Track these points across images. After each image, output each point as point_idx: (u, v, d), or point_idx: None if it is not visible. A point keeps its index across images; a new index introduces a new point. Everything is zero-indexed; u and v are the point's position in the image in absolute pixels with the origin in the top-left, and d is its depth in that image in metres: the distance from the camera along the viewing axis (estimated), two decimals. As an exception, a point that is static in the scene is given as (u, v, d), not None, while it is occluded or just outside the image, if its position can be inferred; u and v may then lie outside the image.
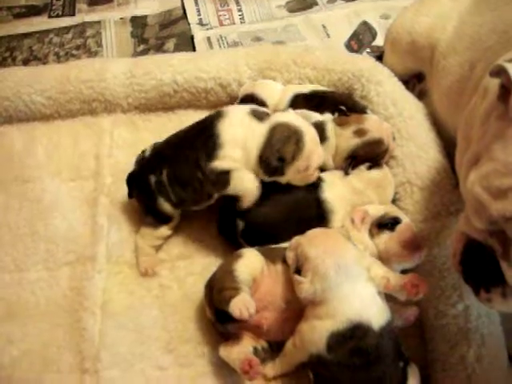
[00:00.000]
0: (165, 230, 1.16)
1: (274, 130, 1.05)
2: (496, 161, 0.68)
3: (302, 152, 1.05)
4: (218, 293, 0.98)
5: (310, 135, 1.07)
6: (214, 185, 1.07)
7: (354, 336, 0.89)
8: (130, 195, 1.19)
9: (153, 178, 1.12)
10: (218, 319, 1.01)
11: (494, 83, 0.76)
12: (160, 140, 1.18)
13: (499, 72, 0.67)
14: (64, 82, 1.37)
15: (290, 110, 1.13)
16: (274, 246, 1.07)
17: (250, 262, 1.01)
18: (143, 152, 1.18)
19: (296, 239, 0.99)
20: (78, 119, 1.39)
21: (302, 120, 1.09)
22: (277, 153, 1.04)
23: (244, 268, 0.99)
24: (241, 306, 0.92)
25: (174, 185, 1.10)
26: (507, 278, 0.71)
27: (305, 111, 1.17)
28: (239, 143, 1.05)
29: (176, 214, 1.16)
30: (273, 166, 1.04)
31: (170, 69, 1.35)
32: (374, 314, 0.91)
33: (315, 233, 1.00)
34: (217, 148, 1.05)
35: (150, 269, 1.15)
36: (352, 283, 0.92)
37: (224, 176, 1.06)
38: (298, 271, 0.95)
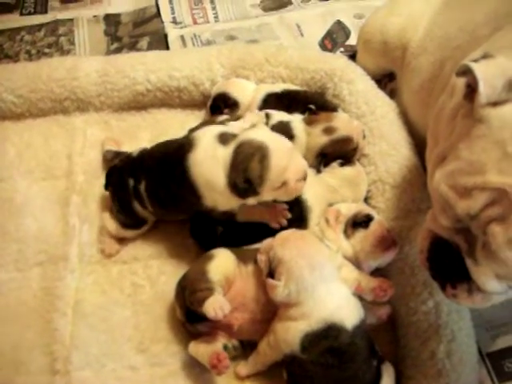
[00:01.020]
0: (129, 233, 1.17)
1: (238, 150, 0.99)
2: (461, 159, 0.69)
3: (270, 169, 0.98)
4: (190, 294, 0.97)
5: (279, 149, 1.00)
6: (221, 217, 1.06)
7: (327, 336, 0.90)
8: (106, 187, 1.17)
9: (131, 182, 1.11)
10: (188, 319, 1.00)
11: (460, 82, 0.77)
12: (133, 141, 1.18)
13: (465, 72, 0.68)
14: (35, 80, 1.35)
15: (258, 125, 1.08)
16: (245, 247, 1.06)
17: (222, 262, 1.01)
18: (131, 152, 1.17)
19: (267, 242, 0.99)
20: (49, 118, 1.37)
21: (270, 134, 1.03)
22: (242, 173, 0.98)
23: (216, 269, 0.99)
24: (215, 306, 0.92)
25: (153, 200, 1.10)
26: (472, 275, 0.73)
27: (269, 111, 1.17)
28: (210, 184, 1.01)
29: (149, 219, 1.16)
30: (241, 188, 0.99)
31: (142, 67, 1.34)
32: (348, 313, 0.92)
33: (286, 235, 1.00)
34: (196, 189, 1.02)
35: (109, 250, 1.15)
36: (326, 284, 0.93)
37: (230, 214, 1.05)
38: (271, 274, 0.95)
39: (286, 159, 1.00)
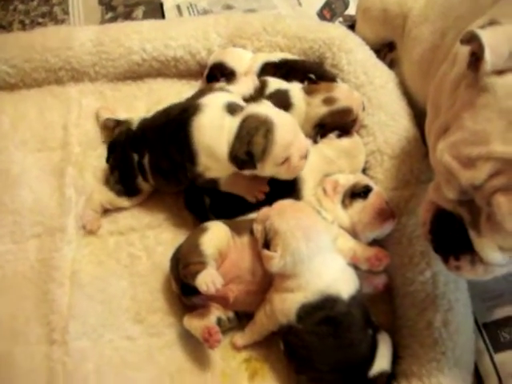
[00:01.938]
0: (125, 202, 1.16)
1: (244, 122, 1.00)
2: (465, 129, 0.68)
3: (274, 144, 0.98)
4: (184, 267, 0.97)
5: (284, 125, 1.00)
6: (203, 184, 1.07)
7: (323, 307, 0.90)
8: (108, 160, 1.17)
9: (136, 157, 1.11)
10: (183, 292, 1.01)
11: (463, 51, 0.75)
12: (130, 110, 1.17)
13: (470, 39, 0.66)
14: (29, 50, 1.34)
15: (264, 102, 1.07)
16: (240, 218, 1.06)
17: (215, 235, 1.00)
18: (129, 123, 1.15)
19: (264, 212, 0.98)
20: (44, 88, 1.36)
21: (276, 110, 1.03)
22: (245, 146, 0.98)
23: (209, 242, 0.98)
24: (207, 280, 0.92)
25: (156, 173, 1.10)
26: (475, 246, 0.73)
27: (267, 78, 1.16)
28: (208, 151, 1.01)
29: (147, 191, 1.16)
30: (242, 160, 0.99)
31: (138, 37, 1.32)
32: (344, 284, 0.92)
33: (284, 205, 0.99)
34: (194, 154, 1.02)
35: (90, 226, 1.15)
36: (322, 255, 0.93)
37: (213, 182, 1.05)
38: (267, 245, 0.94)
39: (291, 135, 1.00)
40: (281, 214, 0.96)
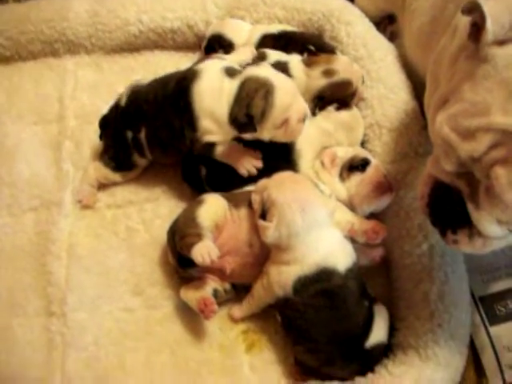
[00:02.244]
0: (120, 177, 1.16)
1: (244, 85, 1.00)
2: (464, 101, 0.67)
3: (273, 106, 0.98)
4: (180, 239, 0.97)
5: (284, 87, 1.00)
6: (200, 151, 1.06)
7: (319, 279, 0.90)
8: (101, 138, 1.16)
9: (130, 134, 1.10)
10: (180, 264, 1.01)
11: (463, 23, 0.74)
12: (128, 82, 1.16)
13: (472, 9, 0.65)
14: (24, 21, 1.32)
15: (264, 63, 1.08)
16: (237, 190, 1.06)
17: (212, 207, 1.00)
18: (118, 99, 1.14)
19: (263, 183, 0.98)
20: (39, 61, 1.34)
21: (275, 72, 1.03)
22: (245, 108, 0.98)
23: (206, 214, 0.98)
24: (203, 252, 0.92)
25: (154, 146, 1.09)
26: (473, 220, 0.72)
27: (266, 50, 1.15)
28: (211, 114, 1.01)
29: (141, 167, 1.16)
30: (241, 123, 0.99)
31: (134, 8, 1.31)
32: (340, 257, 0.92)
33: (282, 177, 0.99)
34: (195, 119, 1.02)
35: (86, 201, 1.15)
36: (318, 229, 0.93)
37: (209, 147, 1.04)
38: (264, 215, 0.94)
39: (290, 97, 1.01)
40: (279, 186, 0.96)
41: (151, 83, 1.11)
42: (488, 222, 0.71)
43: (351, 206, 1.03)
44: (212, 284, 1.00)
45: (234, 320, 1.03)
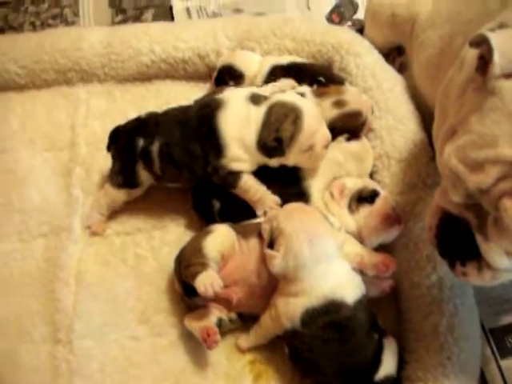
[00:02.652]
0: (125, 195, 1.15)
1: (271, 110, 1.02)
2: (472, 133, 0.68)
3: (302, 131, 1.01)
4: (185, 268, 0.98)
5: (311, 113, 1.04)
6: (222, 180, 1.06)
7: (328, 311, 0.90)
8: (109, 149, 1.16)
9: (141, 142, 1.09)
10: (186, 293, 1.01)
11: (471, 55, 0.75)
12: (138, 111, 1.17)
13: (480, 42, 0.66)
14: (39, 50, 1.34)
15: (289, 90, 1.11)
16: (247, 222, 1.06)
17: (219, 238, 1.00)
18: (139, 115, 1.15)
19: (273, 212, 0.99)
20: (53, 89, 1.35)
21: (301, 98, 1.06)
22: (274, 133, 1.01)
23: (212, 245, 0.98)
24: (206, 282, 0.93)
25: (166, 162, 1.08)
26: (482, 252, 0.72)
27: (284, 80, 1.16)
28: (239, 141, 1.03)
29: (146, 184, 1.14)
30: (270, 147, 1.02)
31: (147, 38, 1.32)
32: (349, 289, 0.92)
33: (292, 207, 0.99)
34: (222, 146, 1.03)
35: (95, 228, 1.15)
36: (327, 261, 0.92)
37: (234, 176, 1.05)
38: (271, 245, 0.94)
39: (317, 123, 1.04)
40: (288, 216, 0.96)
41: (171, 109, 1.13)
42: (497, 255, 0.71)
43: (360, 238, 1.02)
44: (217, 313, 1.00)
45: (241, 350, 1.03)
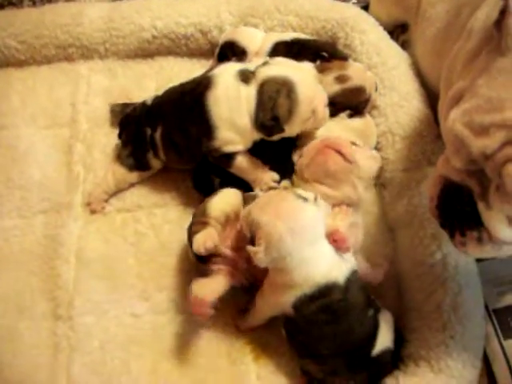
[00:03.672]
0: (136, 177, 1.15)
1: (263, 88, 0.99)
2: (479, 96, 0.66)
3: (299, 102, 0.99)
4: (189, 228, 0.96)
5: (304, 81, 1.01)
6: (216, 161, 1.05)
7: (319, 296, 0.87)
8: (120, 136, 1.16)
9: (149, 131, 1.10)
10: (197, 259, 0.97)
11: (478, 24, 0.74)
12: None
13: None
14: (39, 25, 1.32)
15: (274, 59, 1.07)
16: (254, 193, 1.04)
17: (224, 199, 0.98)
18: (144, 101, 1.14)
19: (247, 207, 0.92)
20: (53, 65, 1.34)
21: (289, 68, 1.02)
22: (270, 112, 0.98)
23: (216, 204, 0.96)
24: (200, 239, 0.90)
25: (169, 148, 1.08)
26: (484, 220, 0.71)
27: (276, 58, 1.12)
28: (230, 123, 1.01)
29: (157, 167, 1.15)
30: (268, 126, 1.00)
31: (149, 13, 1.31)
32: (338, 269, 0.89)
33: (265, 198, 0.93)
34: (212, 129, 1.02)
35: (95, 206, 1.15)
36: (311, 245, 0.87)
37: (228, 158, 1.04)
38: (252, 241, 0.88)
39: (312, 89, 1.02)
40: (263, 207, 0.89)
41: (172, 87, 1.11)
42: (498, 222, 0.69)
43: None
44: (228, 281, 0.95)
45: (240, 331, 1.02)
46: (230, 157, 1.04)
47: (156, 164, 1.13)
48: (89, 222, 1.14)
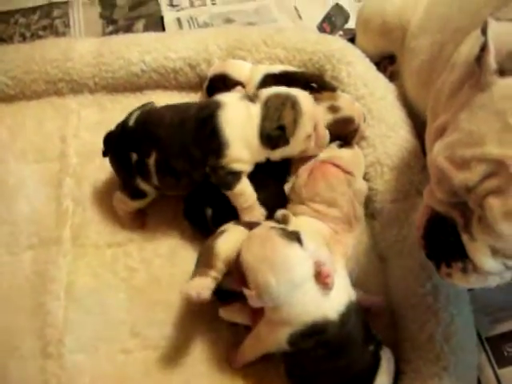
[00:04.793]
0: (139, 204, 1.13)
1: (268, 103, 1.03)
2: (461, 130, 0.67)
3: (302, 113, 1.03)
4: (195, 267, 0.95)
5: (304, 97, 1.05)
6: (220, 180, 1.04)
7: (313, 333, 0.86)
8: (105, 154, 1.13)
9: (134, 156, 1.06)
10: (219, 298, 0.97)
11: (461, 59, 0.75)
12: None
13: (483, 29, 0.65)
14: (29, 61, 1.33)
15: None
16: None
17: (231, 236, 0.96)
18: (127, 117, 1.11)
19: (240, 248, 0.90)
20: (43, 100, 1.35)
21: (290, 88, 1.07)
22: (276, 122, 1.02)
23: (224, 244, 0.95)
24: (196, 286, 0.90)
25: (165, 174, 1.06)
26: (468, 251, 0.71)
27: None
28: (242, 140, 1.02)
29: (152, 192, 1.12)
30: (274, 137, 1.02)
31: (138, 48, 1.32)
32: (330, 305, 0.87)
33: (251, 235, 0.90)
34: (223, 146, 1.02)
35: (130, 226, 1.15)
36: (300, 286, 0.85)
37: (232, 177, 1.04)
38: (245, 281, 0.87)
39: (312, 104, 1.06)
40: (248, 246, 0.88)
41: (167, 108, 1.11)
42: (482, 254, 0.70)
43: None
44: None
45: (233, 367, 0.99)
46: (236, 176, 1.04)
47: (148, 189, 1.10)
48: (78, 257, 1.13)
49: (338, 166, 1.04)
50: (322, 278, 0.86)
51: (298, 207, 1.03)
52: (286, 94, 1.04)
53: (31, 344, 1.04)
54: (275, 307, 0.86)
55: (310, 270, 0.86)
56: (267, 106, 1.03)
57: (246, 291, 0.85)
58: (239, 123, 1.03)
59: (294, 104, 1.03)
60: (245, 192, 1.04)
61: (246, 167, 1.05)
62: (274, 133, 1.02)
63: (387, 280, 1.07)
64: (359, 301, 0.93)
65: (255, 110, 1.04)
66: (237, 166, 1.03)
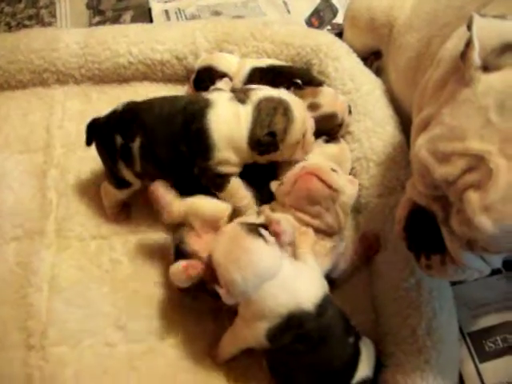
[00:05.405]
0: (126, 193, 1.12)
1: (259, 106, 1.00)
2: (443, 125, 0.68)
3: (294, 120, 1.01)
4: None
5: (297, 103, 1.03)
6: (210, 182, 1.04)
7: (290, 326, 0.86)
8: (88, 143, 1.10)
9: (119, 139, 1.04)
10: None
11: (446, 55, 0.76)
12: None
13: (469, 24, 0.66)
14: (14, 51, 1.32)
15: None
16: None
17: (214, 201, 0.99)
18: (115, 108, 1.09)
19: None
20: (28, 90, 1.34)
21: (282, 91, 1.05)
22: (267, 128, 0.99)
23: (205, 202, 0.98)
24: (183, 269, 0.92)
25: (148, 161, 1.04)
26: (447, 244, 0.73)
27: (252, 86, 1.12)
28: (230, 142, 1.00)
29: (136, 182, 1.10)
30: (264, 143, 1.00)
31: (125, 39, 1.31)
32: (305, 296, 0.87)
33: (221, 234, 0.91)
34: (210, 148, 1.00)
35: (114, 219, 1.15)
36: (268, 280, 0.86)
37: (221, 179, 1.03)
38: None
39: (304, 111, 1.04)
40: (216, 244, 0.89)
41: (157, 98, 1.09)
42: (460, 247, 0.72)
43: None
44: None
45: (216, 363, 0.99)
46: (225, 178, 1.03)
47: (131, 178, 1.08)
48: (62, 249, 1.12)
49: (323, 182, 0.98)
50: (277, 237, 0.89)
51: (280, 210, 1.02)
52: (279, 99, 1.02)
53: (14, 335, 1.03)
54: (248, 302, 0.86)
55: (277, 263, 0.87)
56: (258, 109, 1.00)
57: (218, 288, 0.86)
58: (227, 125, 1.01)
59: (285, 110, 1.00)
60: (236, 192, 1.04)
61: (234, 169, 1.04)
62: (265, 139, 1.00)
63: (371, 274, 1.07)
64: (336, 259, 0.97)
65: (245, 112, 1.01)
66: (224, 169, 1.02)
